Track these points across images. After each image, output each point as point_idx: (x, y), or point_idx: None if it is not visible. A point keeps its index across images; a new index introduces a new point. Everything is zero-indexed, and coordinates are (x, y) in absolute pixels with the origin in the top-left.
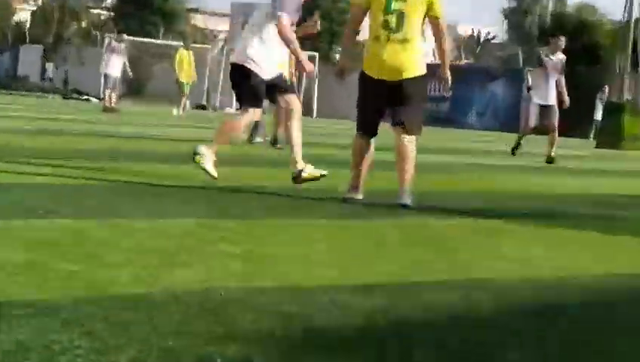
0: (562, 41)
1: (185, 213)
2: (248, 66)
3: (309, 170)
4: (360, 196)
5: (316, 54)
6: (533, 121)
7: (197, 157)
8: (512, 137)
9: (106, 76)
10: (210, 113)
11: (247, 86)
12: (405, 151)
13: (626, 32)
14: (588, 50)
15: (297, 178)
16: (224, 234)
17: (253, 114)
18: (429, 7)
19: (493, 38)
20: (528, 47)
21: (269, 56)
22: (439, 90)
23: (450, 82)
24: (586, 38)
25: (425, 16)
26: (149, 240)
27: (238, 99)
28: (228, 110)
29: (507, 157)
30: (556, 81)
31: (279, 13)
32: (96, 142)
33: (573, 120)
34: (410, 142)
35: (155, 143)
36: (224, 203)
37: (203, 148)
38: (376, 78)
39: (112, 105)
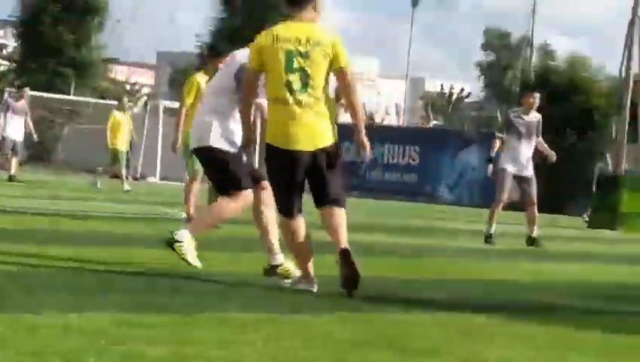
0: (536, 98)
1: (100, 305)
2: (219, 147)
3: (287, 266)
4: (314, 287)
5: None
6: (506, 195)
7: (177, 246)
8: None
9: (3, 139)
10: (130, 183)
11: (226, 169)
12: (340, 223)
13: (624, 91)
14: (580, 113)
15: (270, 273)
16: (144, 332)
17: (249, 196)
18: (334, 59)
19: (468, 95)
20: (509, 108)
21: (236, 132)
22: (408, 157)
23: (368, 148)
24: (578, 98)
25: (328, 72)
26: (54, 340)
27: (218, 189)
28: (151, 180)
29: (483, 240)
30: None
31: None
32: None
33: (564, 194)
34: (341, 214)
35: (69, 221)
36: (147, 292)
37: (185, 234)
38: (285, 148)
39: (13, 173)
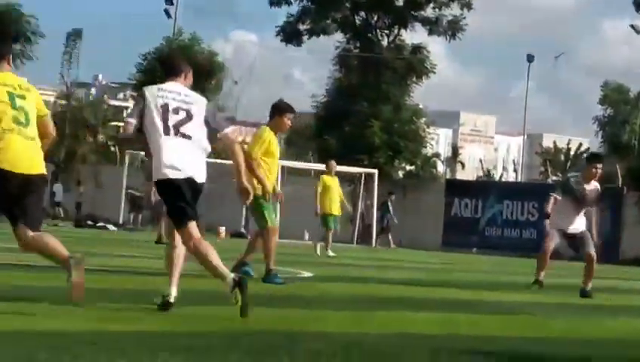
0: (599, 168)
1: None
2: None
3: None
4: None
5: (375, 171)
6: (552, 244)
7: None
8: (607, 269)
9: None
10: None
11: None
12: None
13: None
14: None
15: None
16: None
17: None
18: (39, 107)
19: (586, 150)
20: (628, 162)
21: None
22: (527, 213)
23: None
24: None
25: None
26: None
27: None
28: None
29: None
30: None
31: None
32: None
33: None
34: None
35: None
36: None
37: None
38: (9, 170)
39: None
